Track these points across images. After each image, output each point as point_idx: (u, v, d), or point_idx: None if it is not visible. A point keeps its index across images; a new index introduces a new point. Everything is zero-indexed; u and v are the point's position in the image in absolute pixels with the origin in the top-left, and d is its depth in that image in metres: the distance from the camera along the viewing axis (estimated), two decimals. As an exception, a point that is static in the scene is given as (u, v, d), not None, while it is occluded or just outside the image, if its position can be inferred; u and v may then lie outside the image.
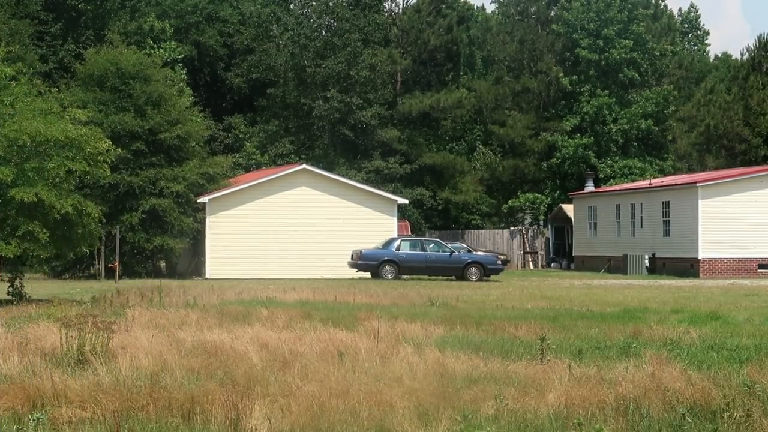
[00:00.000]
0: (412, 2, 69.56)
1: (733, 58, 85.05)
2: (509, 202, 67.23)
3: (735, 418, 8.35)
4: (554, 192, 68.43)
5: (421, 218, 62.41)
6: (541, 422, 8.46)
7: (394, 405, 8.83)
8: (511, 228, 62.16)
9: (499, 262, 42.65)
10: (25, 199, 21.56)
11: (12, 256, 22.16)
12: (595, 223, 55.11)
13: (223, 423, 8.42)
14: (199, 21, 68.19)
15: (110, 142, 24.80)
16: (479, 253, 45.75)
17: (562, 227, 61.03)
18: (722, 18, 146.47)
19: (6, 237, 22.12)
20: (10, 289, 23.59)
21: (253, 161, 62.15)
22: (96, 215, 23.77)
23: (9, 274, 23.80)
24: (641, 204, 50.66)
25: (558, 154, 67.72)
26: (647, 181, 54.28)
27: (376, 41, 64.90)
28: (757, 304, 24.12)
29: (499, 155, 69.38)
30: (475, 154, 71.25)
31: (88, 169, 23.36)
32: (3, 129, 22.48)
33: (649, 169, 66.12)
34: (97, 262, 41.66)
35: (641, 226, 50.33)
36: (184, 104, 47.01)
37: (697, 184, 45.66)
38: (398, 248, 40.83)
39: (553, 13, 73.23)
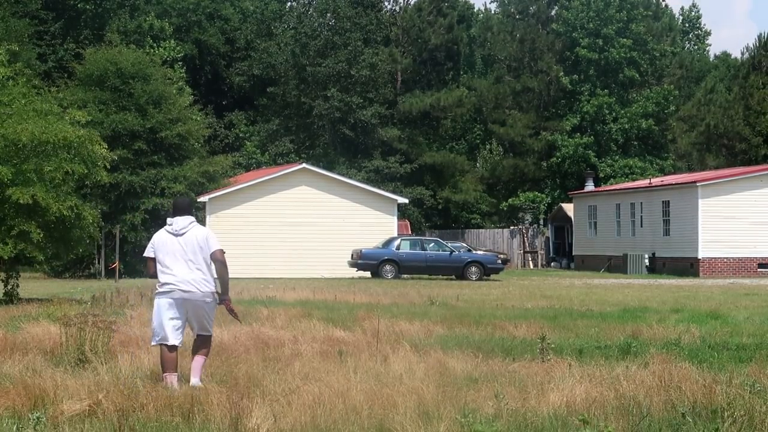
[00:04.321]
0: (413, 1, 69.59)
1: (732, 57, 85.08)
2: (509, 200, 67.27)
3: (736, 418, 8.34)
4: (554, 191, 68.48)
5: (421, 217, 62.44)
6: (541, 422, 8.46)
7: (395, 404, 8.83)
8: (511, 227, 62.18)
9: (499, 262, 42.66)
10: (21, 201, 21.51)
11: (7, 257, 22.08)
12: (595, 223, 55.12)
13: (222, 422, 8.41)
14: (201, 19, 68.22)
15: (106, 149, 24.58)
16: (479, 252, 45.77)
17: (562, 226, 61.04)
18: (729, 18, 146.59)
19: (2, 237, 22.06)
20: (6, 288, 23.50)
21: (254, 160, 62.19)
22: (92, 219, 23.57)
23: (4, 274, 23.68)
24: (641, 203, 50.67)
25: (558, 154, 67.76)
26: (647, 181, 54.30)
27: (377, 40, 64.95)
28: (758, 303, 24.11)
29: (500, 155, 69.42)
30: (480, 151, 71.30)
31: (85, 172, 23.26)
32: (1, 129, 22.43)
33: (649, 168, 66.17)
34: (97, 262, 41.66)
35: (641, 226, 50.35)
36: (184, 103, 47.04)
37: (697, 184, 45.67)
38: (398, 247, 40.84)
39: (553, 12, 73.30)
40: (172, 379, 10.14)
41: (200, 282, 10.30)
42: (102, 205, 39.06)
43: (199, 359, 10.34)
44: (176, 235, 10.37)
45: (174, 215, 10.49)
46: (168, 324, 10.33)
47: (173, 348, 10.31)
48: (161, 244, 10.39)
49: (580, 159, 67.38)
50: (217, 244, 10.45)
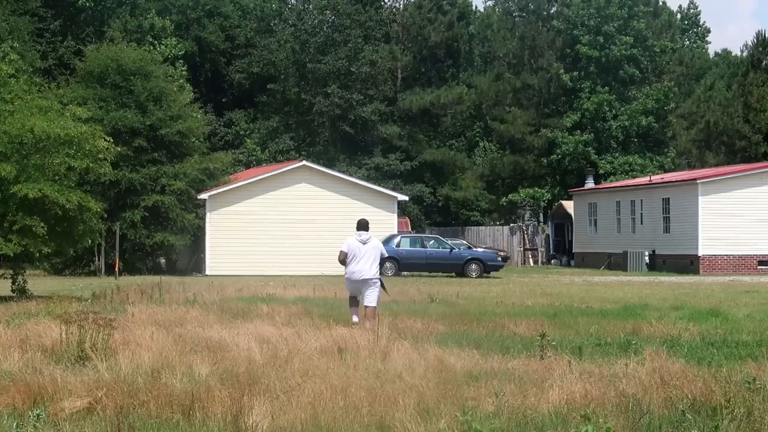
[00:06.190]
0: (413, -1, 69.58)
1: (733, 54, 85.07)
2: (509, 195, 67.25)
3: (736, 415, 8.35)
4: (554, 188, 68.44)
5: (421, 215, 62.42)
6: (541, 419, 8.46)
7: (395, 401, 8.83)
8: (511, 225, 62.16)
9: (499, 259, 42.67)
10: (30, 195, 21.53)
11: (12, 254, 22.12)
12: (596, 220, 55.11)
13: (223, 419, 8.42)
14: (201, 16, 68.16)
15: (110, 140, 24.74)
16: (479, 249, 45.75)
17: (563, 224, 61.02)
18: (734, 17, 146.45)
19: (5, 234, 22.09)
20: (14, 285, 23.59)
21: (254, 158, 62.13)
22: (97, 211, 23.77)
23: (11, 271, 23.78)
24: (641, 201, 50.66)
25: (558, 151, 67.72)
26: (647, 178, 54.26)
27: (377, 37, 64.91)
28: (757, 300, 24.12)
29: (500, 152, 69.40)
30: (477, 149, 71.27)
31: (90, 165, 23.34)
32: (4, 126, 22.45)
33: (649, 165, 66.11)
34: (97, 259, 41.64)
35: (641, 223, 50.34)
36: (185, 100, 46.99)
37: (697, 181, 45.66)
38: (398, 245, 40.83)
39: (553, 9, 73.24)
40: (354, 314, 16.47)
41: (373, 271, 16.55)
42: (102, 202, 38.95)
43: (367, 323, 15.61)
44: (363, 243, 16.66)
45: (358, 230, 16.77)
46: (354, 294, 16.76)
47: (356, 301, 16.71)
48: (354, 248, 16.63)
49: (581, 156, 67.34)
50: (385, 252, 17.88)
